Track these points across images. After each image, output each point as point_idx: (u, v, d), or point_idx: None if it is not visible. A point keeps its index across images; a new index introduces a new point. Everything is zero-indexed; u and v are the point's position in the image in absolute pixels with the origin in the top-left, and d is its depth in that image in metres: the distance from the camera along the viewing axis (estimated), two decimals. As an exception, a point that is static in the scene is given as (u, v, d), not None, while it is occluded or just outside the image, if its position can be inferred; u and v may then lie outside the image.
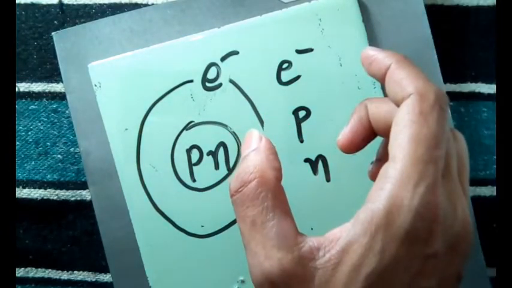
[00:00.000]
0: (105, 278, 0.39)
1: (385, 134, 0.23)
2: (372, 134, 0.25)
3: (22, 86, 0.39)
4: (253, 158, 0.24)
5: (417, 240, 0.20)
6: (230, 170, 0.34)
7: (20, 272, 0.40)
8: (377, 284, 0.20)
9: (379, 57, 0.24)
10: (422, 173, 0.20)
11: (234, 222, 0.34)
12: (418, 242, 0.20)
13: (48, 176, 0.39)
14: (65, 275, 0.40)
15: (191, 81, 0.34)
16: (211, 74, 0.34)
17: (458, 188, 0.22)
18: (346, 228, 0.21)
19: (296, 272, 0.21)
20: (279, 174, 0.24)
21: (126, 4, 0.37)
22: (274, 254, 0.21)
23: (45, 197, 0.39)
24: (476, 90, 0.37)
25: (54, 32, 0.35)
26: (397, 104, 0.22)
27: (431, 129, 0.21)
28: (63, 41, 0.35)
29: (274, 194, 0.23)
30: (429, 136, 0.21)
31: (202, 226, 0.34)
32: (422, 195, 0.20)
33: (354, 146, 0.26)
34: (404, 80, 0.22)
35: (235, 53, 0.34)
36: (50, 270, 0.40)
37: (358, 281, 0.20)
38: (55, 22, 0.38)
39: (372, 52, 0.24)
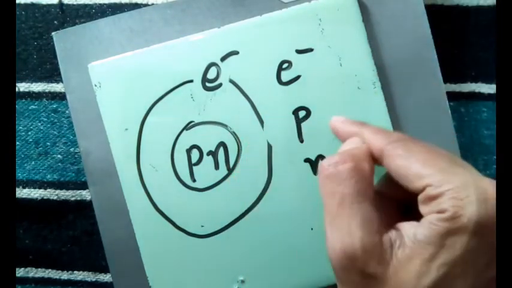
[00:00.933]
0: (105, 278, 0.39)
1: None
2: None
3: (22, 86, 0.39)
4: (359, 146, 0.26)
5: (487, 229, 0.22)
6: (230, 170, 0.34)
7: (20, 272, 0.40)
8: (448, 274, 0.22)
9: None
10: (460, 176, 0.22)
11: (234, 222, 0.34)
12: (488, 232, 0.22)
13: (48, 176, 0.39)
14: (65, 275, 0.40)
15: (191, 81, 0.34)
16: (211, 74, 0.34)
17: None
18: (419, 226, 0.23)
19: (375, 253, 0.22)
20: (373, 171, 0.25)
21: (126, 4, 0.37)
22: (358, 232, 0.23)
23: (45, 197, 0.39)
24: (476, 90, 0.37)
25: (54, 32, 0.35)
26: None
27: (423, 147, 0.24)
28: (63, 41, 0.35)
29: (368, 183, 0.24)
30: (427, 149, 0.24)
31: (202, 226, 0.34)
32: (476, 188, 0.22)
33: None
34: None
35: (235, 53, 0.34)
36: (50, 270, 0.40)
37: (431, 273, 0.22)
38: (55, 22, 0.38)
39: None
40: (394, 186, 0.25)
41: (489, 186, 0.22)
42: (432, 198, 0.22)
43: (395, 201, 0.27)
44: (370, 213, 0.24)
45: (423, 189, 0.23)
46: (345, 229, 0.23)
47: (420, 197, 0.23)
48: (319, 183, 0.26)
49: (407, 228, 0.23)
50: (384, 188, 0.27)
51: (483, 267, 0.22)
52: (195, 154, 0.34)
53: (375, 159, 0.26)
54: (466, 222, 0.22)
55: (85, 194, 0.39)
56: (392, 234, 0.23)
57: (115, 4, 0.38)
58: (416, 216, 0.24)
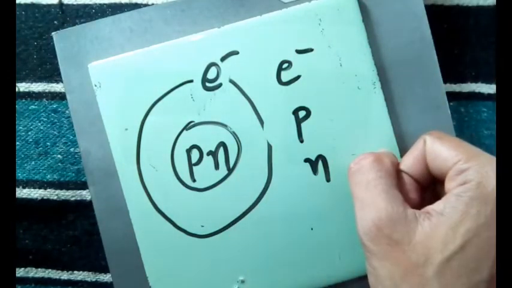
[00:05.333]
0: (105, 278, 0.39)
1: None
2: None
3: (22, 86, 0.39)
4: (376, 152, 0.30)
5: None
6: (230, 170, 0.34)
7: (20, 272, 0.40)
8: (473, 241, 0.23)
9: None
10: (484, 157, 0.26)
11: (234, 222, 0.34)
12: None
13: (48, 176, 0.39)
14: (65, 275, 0.40)
15: (191, 81, 0.34)
16: (211, 74, 0.34)
17: None
18: (444, 200, 0.25)
19: (400, 221, 0.25)
20: (395, 163, 0.29)
21: (126, 4, 0.37)
22: (383, 206, 0.26)
23: (45, 197, 0.39)
24: (476, 90, 0.37)
25: (54, 32, 0.35)
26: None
27: (454, 138, 0.29)
28: (63, 41, 0.35)
29: (389, 172, 0.28)
30: (457, 139, 0.28)
31: (202, 226, 0.34)
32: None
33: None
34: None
35: (235, 53, 0.34)
36: (50, 270, 0.40)
37: (456, 239, 0.24)
38: (55, 22, 0.38)
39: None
40: (418, 168, 0.28)
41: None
42: (460, 171, 0.25)
43: (419, 188, 0.29)
44: (394, 191, 0.27)
45: (454, 165, 0.25)
46: (371, 206, 0.26)
47: (450, 173, 0.26)
48: (349, 182, 0.30)
49: (433, 206, 0.25)
50: (407, 169, 0.29)
51: None
52: (195, 154, 0.34)
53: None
54: (489, 192, 0.24)
55: (85, 194, 0.39)
56: (417, 211, 0.25)
57: (115, 4, 0.38)
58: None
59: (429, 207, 0.26)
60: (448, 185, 0.26)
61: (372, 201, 0.26)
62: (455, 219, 0.24)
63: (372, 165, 0.28)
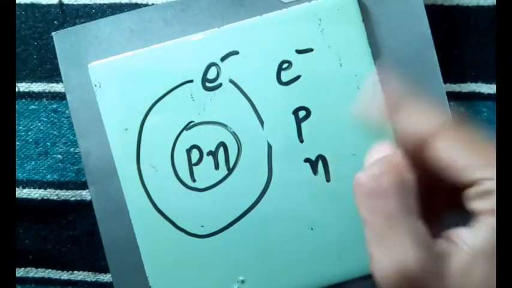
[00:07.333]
0: (105, 278, 0.39)
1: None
2: None
3: (22, 86, 0.39)
4: (396, 153, 0.23)
5: None
6: (230, 170, 0.34)
7: (20, 272, 0.40)
8: None
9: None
10: None
11: (234, 222, 0.34)
12: None
13: (48, 176, 0.39)
14: (65, 275, 0.40)
15: (191, 81, 0.34)
16: (211, 74, 0.34)
17: None
18: (477, 231, 0.21)
19: (430, 267, 0.21)
20: (415, 181, 0.23)
21: (126, 4, 0.37)
22: (413, 251, 0.21)
23: (45, 197, 0.39)
24: (476, 90, 0.37)
25: (54, 32, 0.35)
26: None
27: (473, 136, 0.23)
28: (63, 41, 0.35)
29: (413, 195, 0.22)
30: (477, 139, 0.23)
31: (202, 226, 0.34)
32: None
33: None
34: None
35: (235, 53, 0.34)
36: (50, 270, 0.40)
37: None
38: (55, 22, 0.38)
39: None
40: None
41: None
42: (489, 193, 0.21)
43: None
44: (420, 228, 0.22)
45: (475, 182, 0.22)
46: (397, 249, 0.21)
47: (473, 191, 0.22)
48: (357, 200, 0.23)
49: (461, 235, 0.22)
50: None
51: None
52: (195, 154, 0.34)
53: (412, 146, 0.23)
54: None
55: (85, 194, 0.39)
56: (442, 244, 0.22)
57: (115, 4, 0.38)
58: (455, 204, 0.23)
59: (457, 236, 0.22)
60: (475, 204, 0.22)
61: (398, 243, 0.21)
62: (491, 253, 0.20)
63: (394, 188, 0.22)
